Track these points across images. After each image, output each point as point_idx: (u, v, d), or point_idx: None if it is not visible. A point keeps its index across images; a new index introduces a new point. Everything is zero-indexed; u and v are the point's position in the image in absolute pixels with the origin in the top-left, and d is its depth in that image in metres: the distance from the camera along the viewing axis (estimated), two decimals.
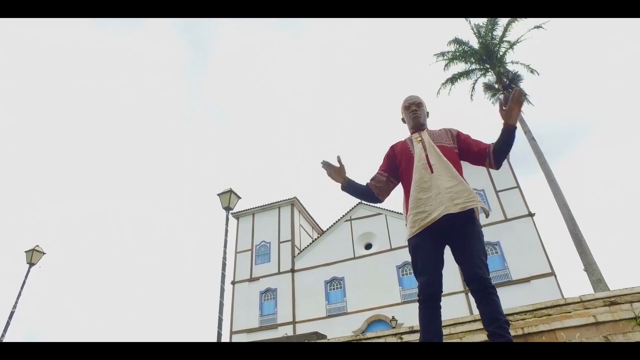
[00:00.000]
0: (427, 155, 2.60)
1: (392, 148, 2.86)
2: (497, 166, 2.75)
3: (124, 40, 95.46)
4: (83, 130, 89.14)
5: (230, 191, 11.85)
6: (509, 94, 2.65)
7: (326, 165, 2.84)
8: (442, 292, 2.47)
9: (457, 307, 23.53)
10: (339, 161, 2.82)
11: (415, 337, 3.62)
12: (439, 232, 2.43)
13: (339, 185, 2.89)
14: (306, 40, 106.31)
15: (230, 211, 11.83)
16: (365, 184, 2.87)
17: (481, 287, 2.27)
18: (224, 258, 10.40)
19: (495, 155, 2.69)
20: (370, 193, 2.84)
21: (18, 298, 13.15)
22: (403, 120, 2.99)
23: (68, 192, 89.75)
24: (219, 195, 12.12)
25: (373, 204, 29.34)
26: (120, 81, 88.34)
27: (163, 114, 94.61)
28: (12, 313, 12.82)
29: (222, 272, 10.36)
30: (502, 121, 2.62)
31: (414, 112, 2.86)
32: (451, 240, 2.46)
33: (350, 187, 2.85)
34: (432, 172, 2.52)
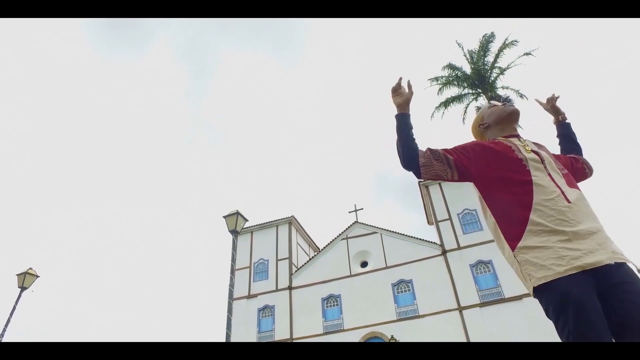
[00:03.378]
0: (550, 175, 2.00)
1: (480, 145, 2.22)
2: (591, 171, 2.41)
3: (131, 63, 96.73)
4: (90, 152, 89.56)
5: (237, 213, 11.28)
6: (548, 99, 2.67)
7: (399, 83, 2.41)
8: None
9: (452, 326, 24.18)
10: (410, 87, 2.41)
11: None
12: (595, 283, 1.72)
13: (395, 109, 2.39)
14: (303, 63, 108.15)
15: (229, 229, 11.61)
16: (416, 144, 2.26)
17: None
18: (232, 278, 10.60)
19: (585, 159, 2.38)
20: (414, 155, 2.19)
21: (6, 325, 12.16)
22: (483, 126, 2.42)
23: (73, 213, 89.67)
24: (225, 217, 11.51)
25: (368, 223, 30.29)
26: (125, 105, 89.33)
27: (167, 135, 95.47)
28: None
29: (229, 288, 10.54)
30: (558, 117, 2.54)
31: (512, 108, 2.35)
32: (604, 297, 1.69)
33: (405, 121, 2.32)
34: (568, 201, 1.90)
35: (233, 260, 10.66)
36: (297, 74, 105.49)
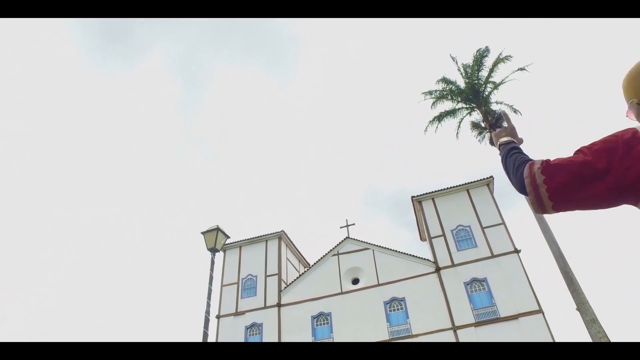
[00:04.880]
0: None
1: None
2: None
3: (124, 75, 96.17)
4: (79, 162, 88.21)
5: (217, 229, 10.21)
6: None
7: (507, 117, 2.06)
8: None
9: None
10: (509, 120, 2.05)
11: None
12: None
13: (504, 139, 1.91)
14: (296, 79, 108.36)
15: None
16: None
17: None
18: (208, 304, 9.28)
19: None
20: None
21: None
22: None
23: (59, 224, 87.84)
24: (203, 233, 10.39)
25: (360, 239, 29.69)
26: (116, 117, 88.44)
27: (157, 148, 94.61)
28: None
29: (207, 300, 9.72)
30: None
31: None
32: None
33: (514, 151, 1.65)
34: None
35: (210, 282, 9.65)
36: (288, 90, 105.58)
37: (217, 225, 10.16)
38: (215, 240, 9.99)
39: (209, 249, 10.18)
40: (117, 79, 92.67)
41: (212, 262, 10.01)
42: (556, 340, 21.78)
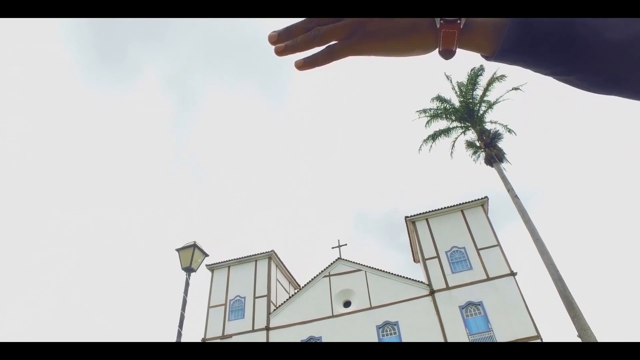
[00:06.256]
0: None
1: None
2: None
3: (118, 96, 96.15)
4: (73, 176, 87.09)
5: (194, 246, 9.06)
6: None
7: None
8: None
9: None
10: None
11: None
12: None
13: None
14: (289, 101, 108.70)
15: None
16: None
17: None
18: (179, 332, 8.61)
19: None
20: None
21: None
22: None
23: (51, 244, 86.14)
24: (178, 250, 9.25)
25: (352, 260, 28.84)
26: (109, 136, 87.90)
27: (149, 165, 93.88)
28: None
29: (178, 329, 8.72)
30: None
31: None
32: None
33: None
34: None
35: (183, 307, 8.53)
36: (281, 110, 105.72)
37: (194, 242, 9.06)
38: (192, 258, 8.88)
39: (183, 269, 9.06)
40: (112, 99, 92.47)
41: (187, 284, 8.84)
42: None
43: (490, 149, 24.17)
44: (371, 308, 26.13)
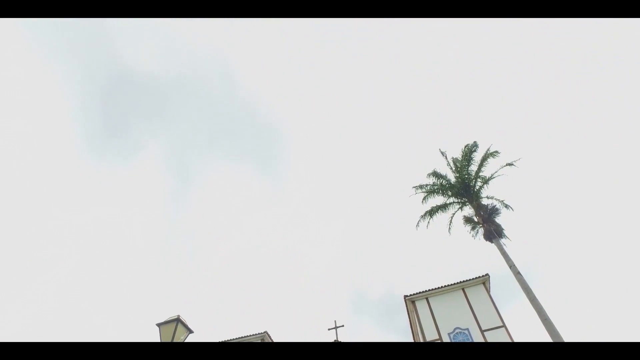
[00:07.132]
0: None
1: None
2: None
3: (120, 170, 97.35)
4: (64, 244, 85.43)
5: (178, 320, 8.31)
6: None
7: None
8: None
9: None
10: None
11: None
12: None
13: None
14: (287, 180, 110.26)
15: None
16: None
17: None
18: None
19: None
20: None
21: None
22: None
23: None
24: (159, 325, 8.52)
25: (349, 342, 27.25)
26: (107, 210, 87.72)
27: (144, 242, 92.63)
28: None
29: None
30: None
31: None
32: None
33: None
34: None
35: None
36: (277, 191, 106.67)
37: (178, 316, 8.35)
38: (174, 334, 8.09)
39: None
40: (113, 171, 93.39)
41: None
42: None
43: (488, 224, 23.82)
44: None
